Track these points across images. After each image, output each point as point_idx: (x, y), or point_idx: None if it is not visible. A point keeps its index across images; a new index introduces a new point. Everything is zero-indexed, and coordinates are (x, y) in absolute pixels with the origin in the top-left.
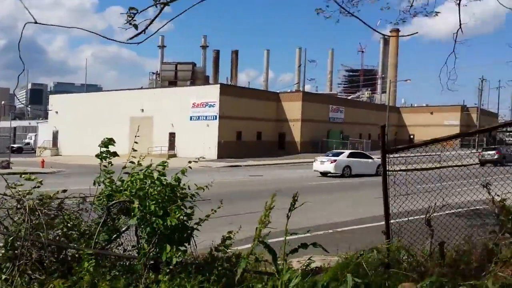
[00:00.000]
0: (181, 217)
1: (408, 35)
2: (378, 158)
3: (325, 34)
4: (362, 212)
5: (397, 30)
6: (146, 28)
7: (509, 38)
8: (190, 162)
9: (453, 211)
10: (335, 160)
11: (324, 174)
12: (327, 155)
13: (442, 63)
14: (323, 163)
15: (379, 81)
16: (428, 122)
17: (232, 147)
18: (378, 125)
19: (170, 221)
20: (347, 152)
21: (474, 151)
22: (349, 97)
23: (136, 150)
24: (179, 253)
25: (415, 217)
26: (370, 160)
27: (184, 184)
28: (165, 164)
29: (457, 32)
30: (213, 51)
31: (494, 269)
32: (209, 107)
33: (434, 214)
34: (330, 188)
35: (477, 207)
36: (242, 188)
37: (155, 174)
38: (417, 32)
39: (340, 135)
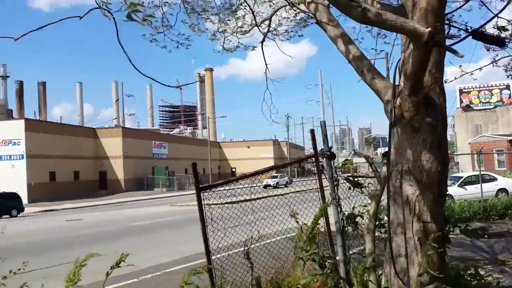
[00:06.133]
0: None
1: None
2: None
3: (142, 69)
4: (188, 249)
5: (211, 69)
6: None
7: (307, 80)
8: None
9: (269, 240)
10: None
11: None
12: None
13: (255, 100)
14: None
15: (199, 117)
16: (246, 155)
17: (45, 189)
18: (201, 160)
19: None
20: None
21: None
22: (171, 133)
23: None
24: None
25: (235, 251)
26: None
27: None
28: None
29: (265, 71)
30: (15, 82)
31: None
32: (13, 145)
33: (252, 246)
34: (157, 227)
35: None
36: (58, 235)
37: None
38: None
39: (166, 171)
